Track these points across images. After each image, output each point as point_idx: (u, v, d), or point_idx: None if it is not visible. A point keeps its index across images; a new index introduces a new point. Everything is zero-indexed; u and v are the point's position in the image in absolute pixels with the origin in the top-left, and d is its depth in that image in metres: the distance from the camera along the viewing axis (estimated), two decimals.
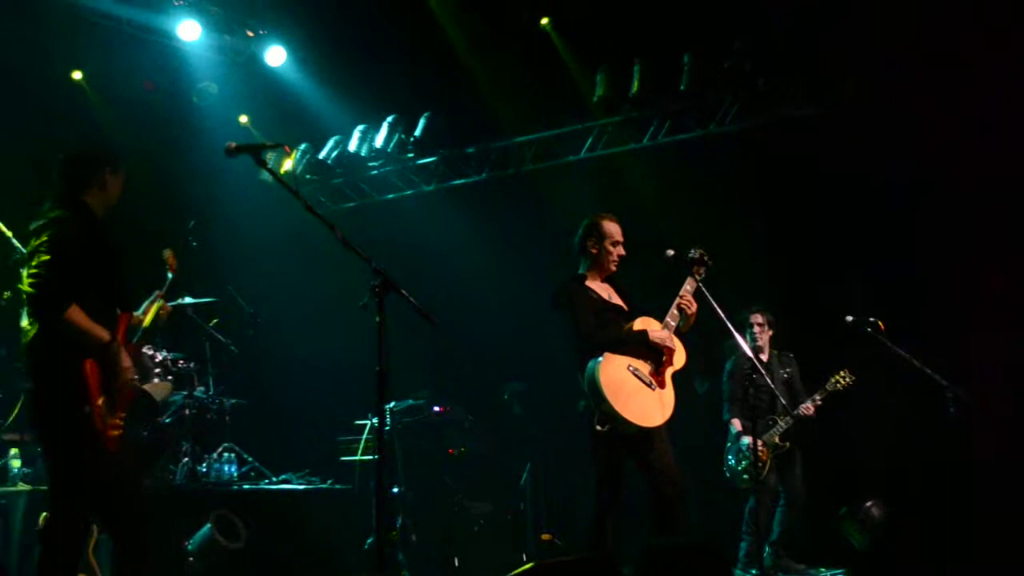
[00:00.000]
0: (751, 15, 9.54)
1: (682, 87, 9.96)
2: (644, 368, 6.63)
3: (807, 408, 8.63)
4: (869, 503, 8.86)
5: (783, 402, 8.13)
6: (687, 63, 9.91)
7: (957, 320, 8.54)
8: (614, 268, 6.94)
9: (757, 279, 9.42)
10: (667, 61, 10.02)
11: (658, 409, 6.61)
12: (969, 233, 8.68)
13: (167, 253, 6.59)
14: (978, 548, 7.90)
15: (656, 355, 6.67)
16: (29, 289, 5.19)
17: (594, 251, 6.95)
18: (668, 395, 6.68)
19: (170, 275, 6.44)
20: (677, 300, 6.74)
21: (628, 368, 6.58)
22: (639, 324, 6.74)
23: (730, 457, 8.83)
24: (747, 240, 9.55)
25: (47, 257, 5.20)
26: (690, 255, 6.86)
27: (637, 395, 6.54)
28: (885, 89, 9.17)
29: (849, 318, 7.99)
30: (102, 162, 5.67)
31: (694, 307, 6.75)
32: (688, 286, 6.79)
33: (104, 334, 5.30)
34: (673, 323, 6.72)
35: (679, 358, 6.75)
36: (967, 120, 8.61)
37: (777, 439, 8.67)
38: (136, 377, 5.52)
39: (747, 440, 8.62)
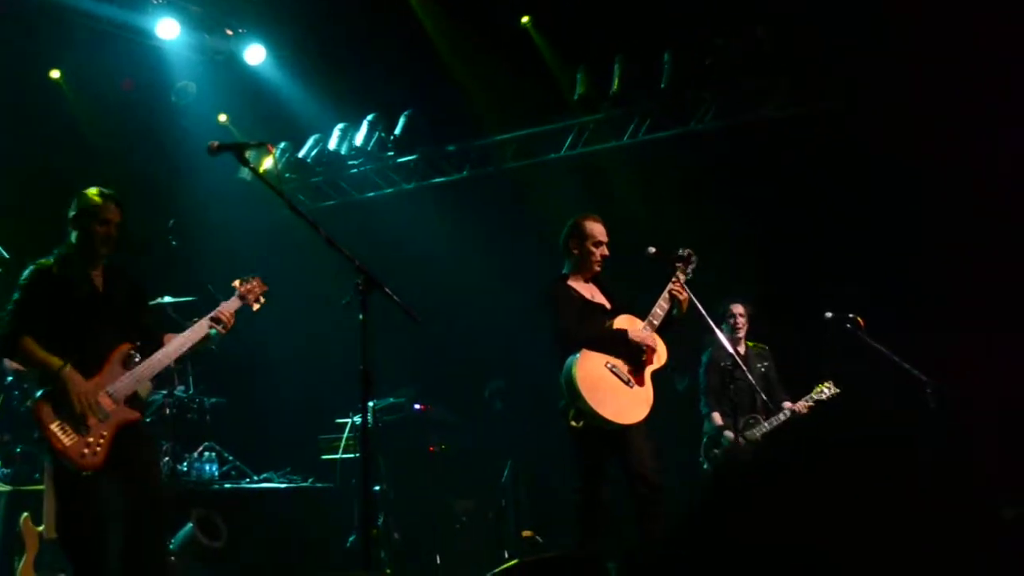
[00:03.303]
0: (732, 14, 9.57)
1: (662, 85, 9.98)
2: (623, 366, 6.64)
3: (802, 407, 8.53)
4: None
5: (763, 399, 8.10)
6: (667, 61, 9.94)
7: (943, 317, 8.57)
8: (597, 268, 6.97)
9: (738, 276, 9.44)
10: (647, 59, 10.05)
11: (635, 407, 6.62)
12: (955, 230, 8.70)
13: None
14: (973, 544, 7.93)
15: (636, 353, 6.67)
16: None
17: (576, 251, 6.98)
18: (647, 393, 6.70)
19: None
20: (667, 288, 6.77)
21: (606, 365, 6.60)
22: (619, 322, 6.76)
23: (713, 450, 8.73)
24: (727, 237, 9.57)
25: (13, 297, 5.86)
26: (679, 252, 6.92)
27: (613, 393, 6.56)
28: (867, 88, 9.22)
29: (829, 314, 8.02)
30: (69, 208, 6.07)
31: (685, 293, 6.78)
32: (679, 277, 6.84)
33: (54, 362, 5.71)
34: (656, 321, 6.73)
35: (660, 357, 6.77)
36: (953, 119, 8.66)
37: (760, 437, 8.58)
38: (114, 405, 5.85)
39: (730, 435, 8.55)
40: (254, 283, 6.39)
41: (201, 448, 9.78)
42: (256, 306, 6.39)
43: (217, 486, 9.58)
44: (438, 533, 9.80)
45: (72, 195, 6.16)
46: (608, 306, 6.93)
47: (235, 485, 9.73)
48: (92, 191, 6.08)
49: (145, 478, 5.93)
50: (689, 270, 6.94)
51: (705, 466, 8.78)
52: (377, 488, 9.39)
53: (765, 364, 8.90)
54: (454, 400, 10.59)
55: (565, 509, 9.84)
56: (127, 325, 6.12)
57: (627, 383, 6.62)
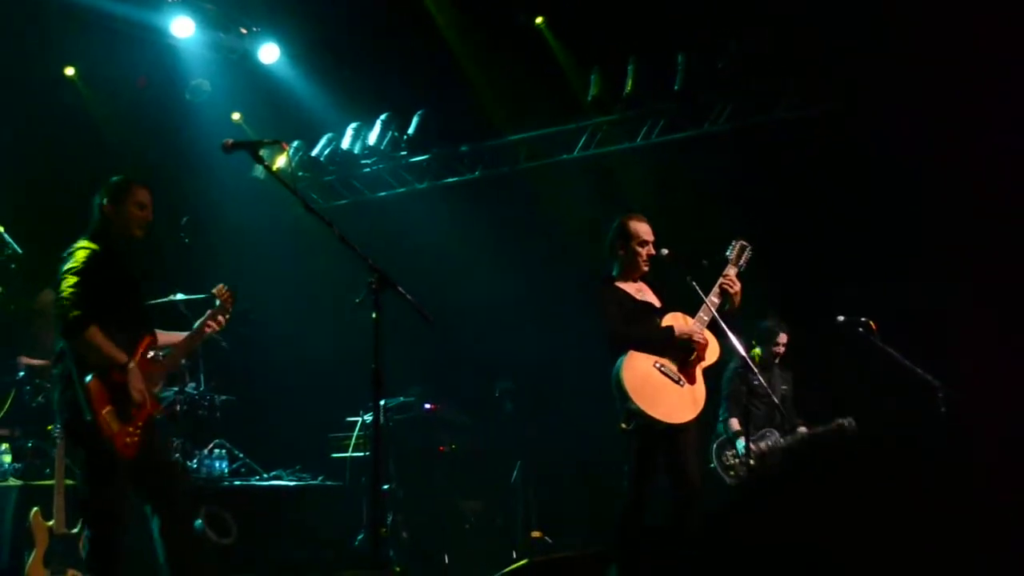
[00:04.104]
0: (746, 16, 9.56)
1: (676, 87, 9.98)
2: (672, 364, 6.56)
3: (803, 434, 8.64)
4: None
5: (781, 417, 8.15)
6: (681, 63, 9.93)
7: (953, 320, 8.55)
8: (645, 268, 6.86)
9: (750, 279, 9.43)
10: (661, 61, 10.04)
11: (686, 406, 6.54)
12: (966, 232, 8.68)
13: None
14: (977, 544, 7.90)
15: (685, 351, 6.60)
16: (57, 311, 5.77)
17: (621, 252, 6.89)
18: (698, 391, 6.61)
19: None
20: (719, 282, 6.69)
21: (654, 365, 6.52)
22: (667, 320, 6.70)
23: (726, 451, 8.77)
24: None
25: (71, 278, 5.77)
26: (731, 243, 6.93)
27: (663, 392, 6.49)
28: (879, 91, 9.20)
29: (841, 318, 8.02)
30: (102, 196, 6.10)
31: (737, 286, 6.70)
32: (729, 270, 6.79)
33: (122, 356, 5.79)
34: (706, 316, 6.64)
35: (711, 354, 6.68)
36: (962, 121, 8.63)
37: (766, 449, 8.65)
38: (148, 398, 5.91)
39: (744, 442, 8.60)
40: (227, 292, 6.49)
41: (211, 445, 9.78)
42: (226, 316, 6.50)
43: (227, 483, 9.59)
44: (447, 533, 9.81)
45: (85, 189, 6.22)
46: (657, 304, 6.86)
47: (245, 482, 9.75)
48: (121, 178, 6.18)
49: (167, 467, 6.18)
50: (742, 262, 6.87)
51: (712, 464, 8.80)
52: (386, 487, 9.40)
53: (785, 387, 8.95)
54: (464, 400, 10.61)
55: (575, 510, 9.89)
56: (146, 312, 6.27)
57: (677, 381, 6.54)
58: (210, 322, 6.34)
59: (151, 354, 6.05)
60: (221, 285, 6.47)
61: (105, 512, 5.81)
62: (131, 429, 5.78)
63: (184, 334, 6.35)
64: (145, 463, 5.87)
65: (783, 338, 8.96)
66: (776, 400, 7.88)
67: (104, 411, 5.71)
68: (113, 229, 6.06)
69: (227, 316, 6.40)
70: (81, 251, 5.88)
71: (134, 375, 5.78)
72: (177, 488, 6.10)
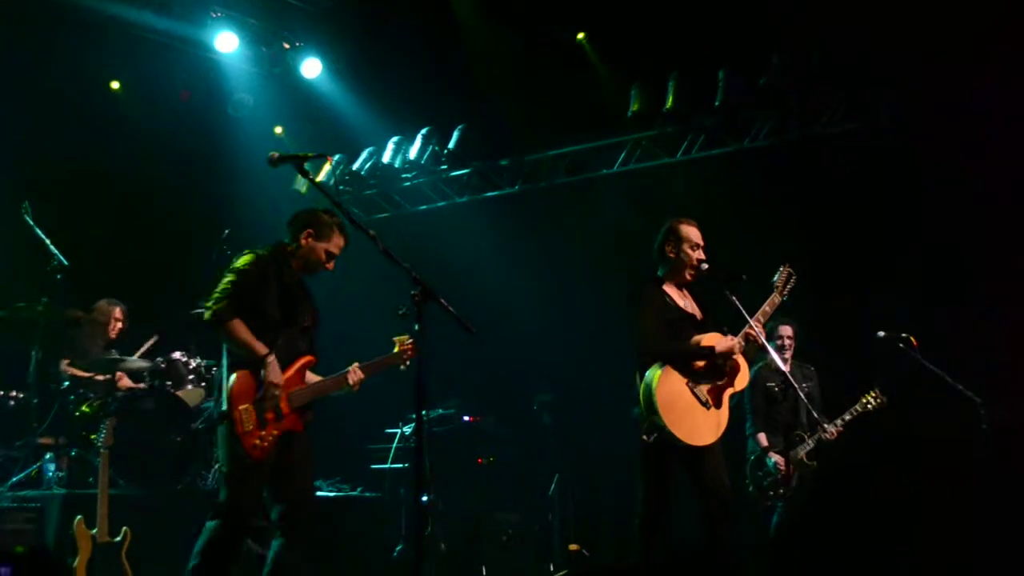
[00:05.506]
0: (787, 32, 9.55)
1: (716, 103, 9.99)
2: (703, 386, 6.55)
3: (830, 433, 8.48)
4: None
5: (814, 416, 8.07)
6: (722, 79, 9.94)
7: (996, 335, 8.50)
8: (690, 275, 6.78)
9: (790, 295, 9.43)
10: (702, 76, 10.06)
11: (709, 429, 6.53)
12: (1012, 246, 8.64)
13: None
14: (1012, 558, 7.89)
15: (718, 374, 6.59)
16: (207, 304, 5.94)
17: (672, 255, 6.79)
18: (723, 415, 6.60)
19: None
20: (744, 331, 6.62)
21: (686, 384, 6.52)
22: (708, 340, 6.63)
23: (758, 472, 8.67)
24: (780, 255, 9.51)
25: (228, 276, 6.00)
26: (776, 276, 6.89)
27: (690, 413, 6.48)
28: (919, 106, 9.18)
29: (881, 334, 7.96)
30: (305, 226, 6.27)
31: (763, 338, 6.64)
32: (767, 306, 6.76)
33: (262, 348, 5.90)
34: (744, 342, 6.62)
35: (741, 380, 6.66)
36: (1004, 135, 8.60)
37: (804, 456, 8.53)
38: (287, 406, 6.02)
39: (774, 459, 8.53)
40: (409, 344, 6.34)
41: None
42: (404, 366, 6.39)
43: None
44: (484, 545, 9.80)
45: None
46: (699, 316, 6.81)
47: None
48: (328, 220, 6.27)
49: (302, 490, 6.18)
50: (787, 289, 6.85)
51: (750, 488, 8.70)
52: (425, 499, 9.40)
53: (808, 384, 8.81)
54: (502, 413, 10.62)
55: (612, 523, 9.86)
56: (310, 339, 6.35)
57: (704, 404, 6.53)
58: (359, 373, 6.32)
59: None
60: (406, 335, 6.35)
61: (234, 508, 5.90)
62: (262, 433, 5.87)
63: (319, 378, 6.33)
64: (282, 478, 6.00)
65: (786, 331, 8.74)
66: (803, 398, 7.73)
67: (241, 407, 5.84)
68: (295, 256, 6.23)
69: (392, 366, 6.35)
70: (246, 255, 6.10)
71: (271, 368, 5.88)
72: (303, 515, 6.14)
